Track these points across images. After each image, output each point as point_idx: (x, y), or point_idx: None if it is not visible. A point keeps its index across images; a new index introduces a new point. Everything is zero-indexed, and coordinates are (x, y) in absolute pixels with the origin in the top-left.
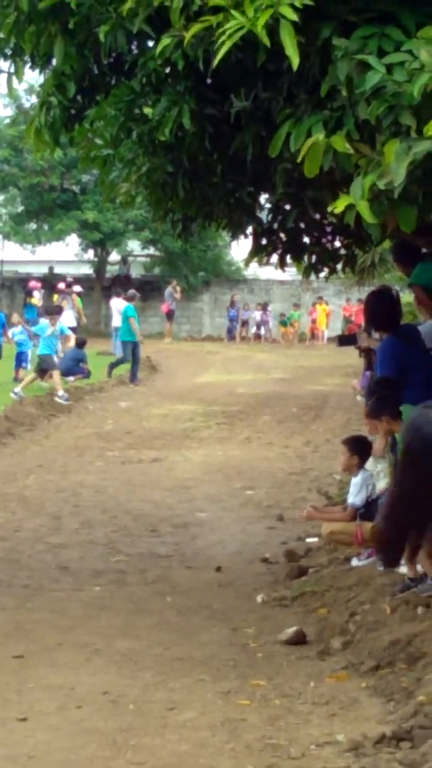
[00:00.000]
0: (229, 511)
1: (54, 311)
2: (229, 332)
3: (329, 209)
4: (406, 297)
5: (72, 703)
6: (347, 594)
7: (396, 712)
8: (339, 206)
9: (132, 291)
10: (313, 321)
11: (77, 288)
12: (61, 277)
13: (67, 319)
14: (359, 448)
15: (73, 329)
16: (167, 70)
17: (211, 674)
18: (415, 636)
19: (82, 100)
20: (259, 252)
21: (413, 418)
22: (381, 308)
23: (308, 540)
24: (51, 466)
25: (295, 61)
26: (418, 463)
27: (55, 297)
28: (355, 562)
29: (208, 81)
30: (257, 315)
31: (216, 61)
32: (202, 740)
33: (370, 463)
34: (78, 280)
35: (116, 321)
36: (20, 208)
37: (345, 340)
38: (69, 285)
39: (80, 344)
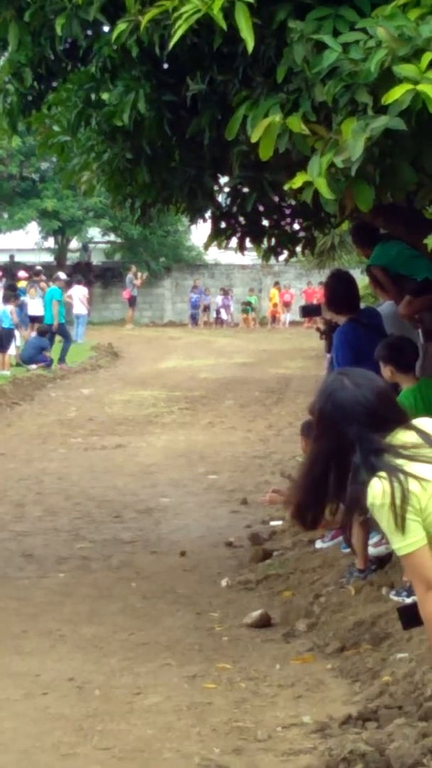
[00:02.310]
0: (192, 495)
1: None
2: (192, 318)
3: (286, 186)
4: (363, 281)
5: (37, 690)
6: (312, 576)
7: (361, 692)
8: (296, 183)
9: (59, 273)
10: (275, 305)
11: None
12: (22, 266)
13: (35, 307)
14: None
15: (38, 318)
16: (122, 55)
17: (177, 659)
18: (379, 617)
19: (38, 87)
20: (218, 236)
21: (327, 383)
22: (340, 291)
23: (272, 523)
24: (14, 453)
25: (250, 44)
26: (330, 427)
27: (22, 284)
28: (319, 544)
29: (164, 66)
30: (219, 300)
31: (172, 44)
32: (168, 724)
33: None
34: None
35: (77, 308)
36: None
37: (308, 310)
38: (37, 273)
39: (42, 332)
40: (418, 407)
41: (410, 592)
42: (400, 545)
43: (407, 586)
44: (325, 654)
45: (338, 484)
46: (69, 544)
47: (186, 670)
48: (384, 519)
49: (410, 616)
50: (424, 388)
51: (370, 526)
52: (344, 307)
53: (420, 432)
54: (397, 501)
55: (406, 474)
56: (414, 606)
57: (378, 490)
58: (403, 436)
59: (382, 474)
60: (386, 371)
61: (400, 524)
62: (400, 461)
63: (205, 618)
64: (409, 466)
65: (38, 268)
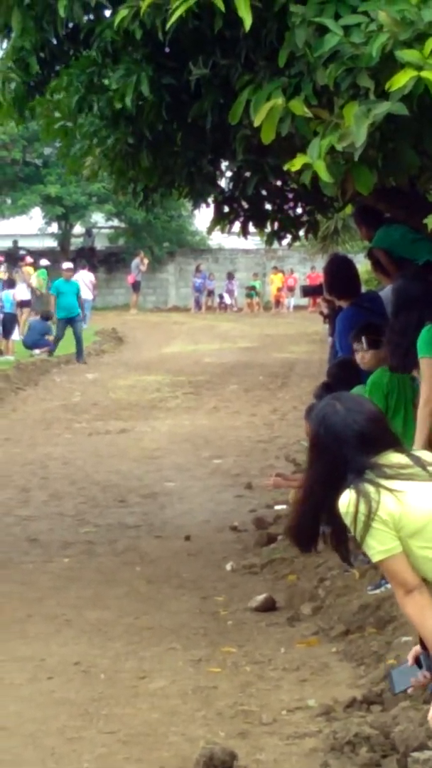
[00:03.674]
0: (197, 480)
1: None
2: (196, 302)
3: (285, 168)
4: (366, 265)
5: (43, 675)
6: (316, 560)
7: (366, 676)
8: (296, 165)
9: (65, 264)
10: (279, 289)
11: (44, 261)
12: (26, 251)
13: (21, 292)
14: None
15: (26, 302)
16: (125, 39)
17: (182, 643)
18: (384, 600)
19: (42, 72)
20: (221, 220)
21: (319, 408)
22: (340, 275)
23: (277, 507)
24: (18, 439)
25: (248, 22)
26: (324, 452)
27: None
28: (323, 528)
29: (166, 50)
30: (225, 283)
31: (169, 25)
32: (173, 708)
33: None
34: (42, 253)
35: (83, 293)
36: None
37: (310, 290)
38: (22, 258)
39: (45, 317)
40: (391, 384)
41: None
42: (372, 552)
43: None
44: (329, 637)
45: (332, 506)
46: (74, 529)
47: (191, 654)
48: (352, 528)
49: (399, 679)
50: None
51: None
52: (345, 291)
53: (411, 455)
54: (361, 509)
55: (378, 486)
56: (404, 668)
57: (344, 500)
58: (392, 458)
59: (353, 487)
60: (358, 355)
61: (365, 533)
62: (379, 479)
63: (210, 602)
64: (386, 482)
65: (22, 253)
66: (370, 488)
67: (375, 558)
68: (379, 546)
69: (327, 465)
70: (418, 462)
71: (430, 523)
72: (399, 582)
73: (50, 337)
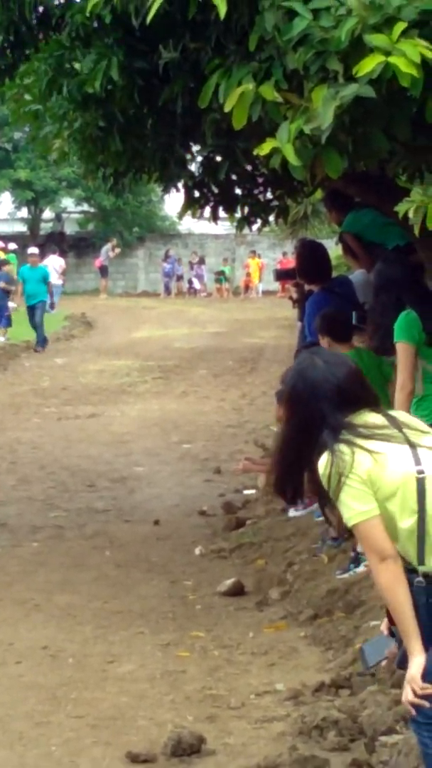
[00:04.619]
0: (166, 464)
1: None
2: (165, 287)
3: (255, 152)
4: (337, 250)
5: (11, 659)
6: (285, 544)
7: (335, 660)
8: (264, 149)
9: (31, 249)
10: (248, 274)
11: (12, 245)
12: None
13: None
14: None
15: None
16: (95, 23)
17: (150, 627)
18: (352, 584)
19: (11, 56)
20: (191, 205)
21: (297, 363)
22: (311, 260)
23: (245, 492)
24: None
25: (223, 10)
26: (301, 405)
27: None
28: (292, 512)
29: (137, 33)
30: (195, 268)
31: (150, 18)
32: (141, 692)
33: None
34: (12, 238)
35: (52, 278)
36: None
37: (282, 274)
38: None
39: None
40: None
41: (356, 563)
42: (349, 515)
43: (353, 557)
44: (298, 622)
45: (309, 461)
46: (43, 513)
47: (160, 638)
48: (329, 489)
49: (372, 653)
50: (365, 355)
51: None
52: (316, 276)
53: (387, 415)
54: (336, 470)
55: (354, 446)
56: (375, 641)
57: (323, 462)
58: (368, 417)
59: (328, 448)
60: (323, 342)
61: (340, 492)
62: (355, 438)
63: (179, 586)
64: (362, 441)
65: None
66: (345, 448)
67: (351, 521)
68: (356, 506)
69: (303, 420)
70: (394, 423)
71: (403, 486)
72: (374, 549)
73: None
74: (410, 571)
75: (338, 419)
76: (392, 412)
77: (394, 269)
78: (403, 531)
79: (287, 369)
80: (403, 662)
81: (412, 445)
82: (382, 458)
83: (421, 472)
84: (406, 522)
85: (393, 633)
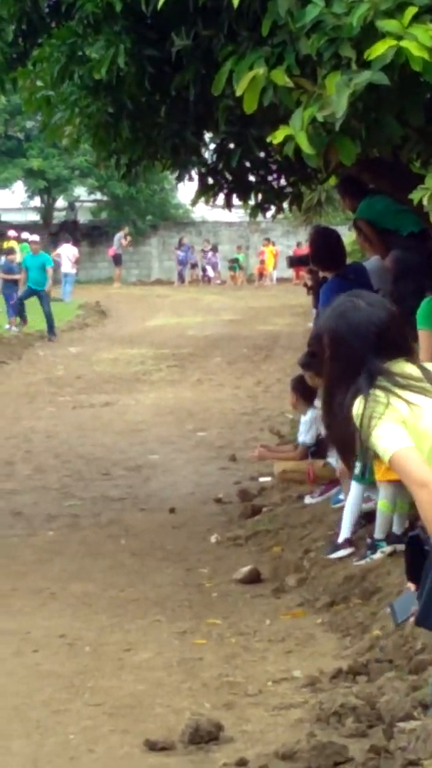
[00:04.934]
0: (181, 452)
1: None
2: (179, 275)
3: (268, 139)
4: (351, 237)
5: (28, 648)
6: (301, 532)
7: (352, 646)
8: (278, 137)
9: (27, 236)
10: (262, 262)
11: (25, 235)
12: (8, 225)
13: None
14: (303, 387)
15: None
16: (106, 11)
17: (167, 615)
18: (369, 571)
19: (23, 44)
20: (205, 192)
21: (337, 305)
22: (325, 247)
23: (261, 479)
24: (2, 412)
25: None
26: (344, 348)
27: (12, 243)
28: (308, 499)
29: (148, 21)
30: (209, 256)
31: (161, 4)
32: (158, 680)
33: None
34: (25, 227)
35: (66, 267)
36: None
37: (296, 260)
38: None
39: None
40: None
41: (373, 550)
42: (385, 447)
43: (369, 543)
44: (315, 609)
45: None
46: (58, 502)
47: (176, 626)
48: (362, 430)
49: (401, 609)
50: None
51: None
52: (330, 263)
53: (422, 368)
54: (369, 411)
55: (390, 393)
56: (404, 598)
57: (357, 404)
58: (405, 367)
59: (363, 393)
60: (308, 377)
61: (374, 430)
62: (392, 386)
63: (195, 574)
64: (398, 390)
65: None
66: (381, 394)
67: (388, 452)
68: (392, 438)
69: (345, 362)
70: (429, 376)
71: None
72: (414, 476)
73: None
74: None
75: (376, 364)
76: (428, 365)
77: (412, 256)
78: None
79: (324, 313)
80: (420, 620)
81: None
82: (417, 410)
83: None
84: None
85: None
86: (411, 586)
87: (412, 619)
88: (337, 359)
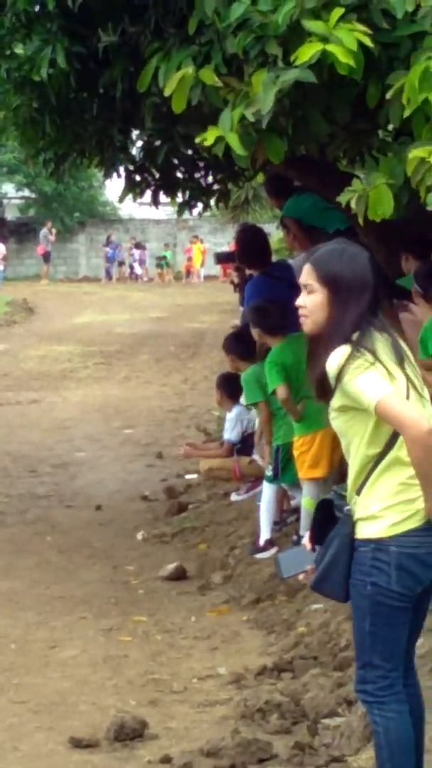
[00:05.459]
0: (108, 450)
1: None
2: (107, 272)
3: (198, 140)
4: (278, 235)
5: None
6: (227, 529)
7: (277, 643)
8: (209, 138)
9: None
10: (189, 259)
11: None
12: None
13: None
14: (228, 385)
15: None
16: (37, 8)
17: (93, 612)
18: None
19: None
20: (132, 189)
21: (337, 249)
22: (250, 245)
23: (187, 477)
24: None
25: None
26: (356, 290)
27: None
28: (234, 497)
29: (74, 17)
30: (136, 253)
31: None
32: (84, 677)
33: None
34: None
35: None
36: None
37: (223, 257)
38: None
39: None
40: (287, 361)
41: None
42: (371, 394)
43: (294, 540)
44: (240, 606)
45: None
46: None
47: (102, 623)
48: (344, 377)
49: (289, 564)
50: (294, 343)
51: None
52: (256, 260)
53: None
54: (356, 361)
55: (378, 360)
56: (292, 553)
57: (340, 352)
58: (385, 323)
59: (352, 345)
60: (254, 333)
61: (360, 375)
62: (378, 343)
63: (121, 571)
64: (381, 353)
65: None
66: (369, 355)
67: (373, 400)
68: (375, 386)
69: (357, 305)
70: (395, 341)
71: None
72: (402, 420)
73: None
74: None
75: (368, 317)
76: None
77: None
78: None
79: (319, 255)
80: (317, 584)
81: (407, 384)
82: (395, 384)
83: None
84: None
85: (314, 550)
86: (307, 544)
87: (301, 576)
88: (349, 303)
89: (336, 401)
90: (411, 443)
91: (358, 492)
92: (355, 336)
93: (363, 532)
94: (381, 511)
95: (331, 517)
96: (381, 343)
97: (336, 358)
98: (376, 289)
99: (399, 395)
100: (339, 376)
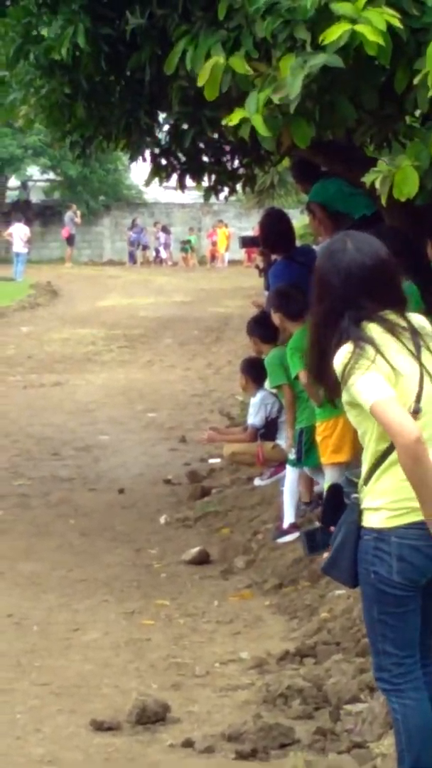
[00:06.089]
0: (131, 433)
1: None
2: (131, 256)
3: (223, 122)
4: (302, 220)
5: None
6: (250, 513)
7: (299, 629)
8: (234, 119)
9: None
10: (213, 244)
11: None
12: None
13: None
14: (253, 369)
15: None
16: None
17: (115, 595)
18: None
19: None
20: (158, 173)
21: (331, 243)
22: (274, 229)
23: (211, 461)
24: None
25: None
26: (328, 289)
27: None
28: (257, 482)
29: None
30: (162, 237)
31: None
32: (106, 660)
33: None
34: None
35: (17, 246)
36: None
37: (248, 240)
38: None
39: None
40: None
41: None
42: (368, 396)
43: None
44: (263, 591)
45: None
46: (7, 482)
47: (124, 607)
48: (345, 378)
49: (314, 542)
50: None
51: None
52: (279, 245)
53: (408, 320)
54: (357, 361)
55: (379, 353)
56: (317, 531)
57: (344, 351)
58: (393, 317)
59: (354, 342)
60: (276, 318)
61: (358, 377)
62: (380, 336)
63: (144, 555)
64: (386, 346)
65: None
66: (370, 350)
67: (369, 402)
68: (376, 388)
69: (329, 303)
70: (413, 329)
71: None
72: (394, 428)
73: None
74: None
75: (368, 309)
76: (415, 317)
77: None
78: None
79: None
80: (327, 567)
81: (421, 374)
82: (398, 377)
83: (416, 411)
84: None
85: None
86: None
87: (325, 555)
88: (323, 301)
89: (345, 396)
90: (399, 451)
91: (366, 482)
92: (354, 332)
93: (367, 521)
94: (384, 503)
95: (341, 502)
96: (387, 336)
97: (340, 357)
98: (376, 282)
99: (392, 401)
100: (343, 375)
